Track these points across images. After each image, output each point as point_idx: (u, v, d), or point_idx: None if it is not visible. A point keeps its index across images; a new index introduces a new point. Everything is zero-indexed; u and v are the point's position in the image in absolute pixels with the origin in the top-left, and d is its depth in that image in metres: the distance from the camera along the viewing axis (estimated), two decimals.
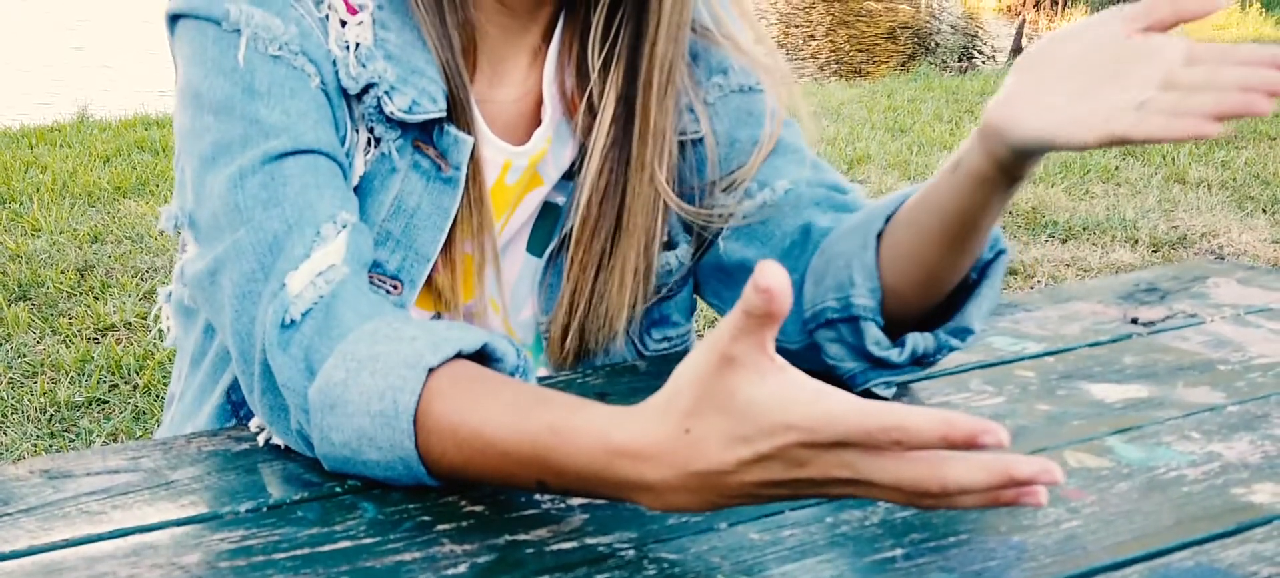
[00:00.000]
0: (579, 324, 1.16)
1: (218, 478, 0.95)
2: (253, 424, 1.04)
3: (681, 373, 0.80)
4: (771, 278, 0.73)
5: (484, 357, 0.95)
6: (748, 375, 0.76)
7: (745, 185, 1.17)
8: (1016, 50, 12.77)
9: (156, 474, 0.95)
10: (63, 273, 4.02)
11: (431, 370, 0.90)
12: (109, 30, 12.33)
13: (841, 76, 11.51)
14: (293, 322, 0.95)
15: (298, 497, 0.93)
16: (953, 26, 15.80)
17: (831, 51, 13.51)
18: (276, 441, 1.00)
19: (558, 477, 0.86)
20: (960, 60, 13.00)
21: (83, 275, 4.03)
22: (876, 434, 0.75)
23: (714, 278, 1.21)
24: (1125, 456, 1.03)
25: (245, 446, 1.01)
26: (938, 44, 14.35)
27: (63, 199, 4.87)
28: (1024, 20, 14.63)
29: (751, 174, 1.17)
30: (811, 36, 14.43)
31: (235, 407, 1.15)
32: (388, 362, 0.91)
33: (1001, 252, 1.09)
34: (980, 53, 13.85)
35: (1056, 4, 15.93)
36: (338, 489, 0.94)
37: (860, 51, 13.51)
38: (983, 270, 1.10)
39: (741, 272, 1.18)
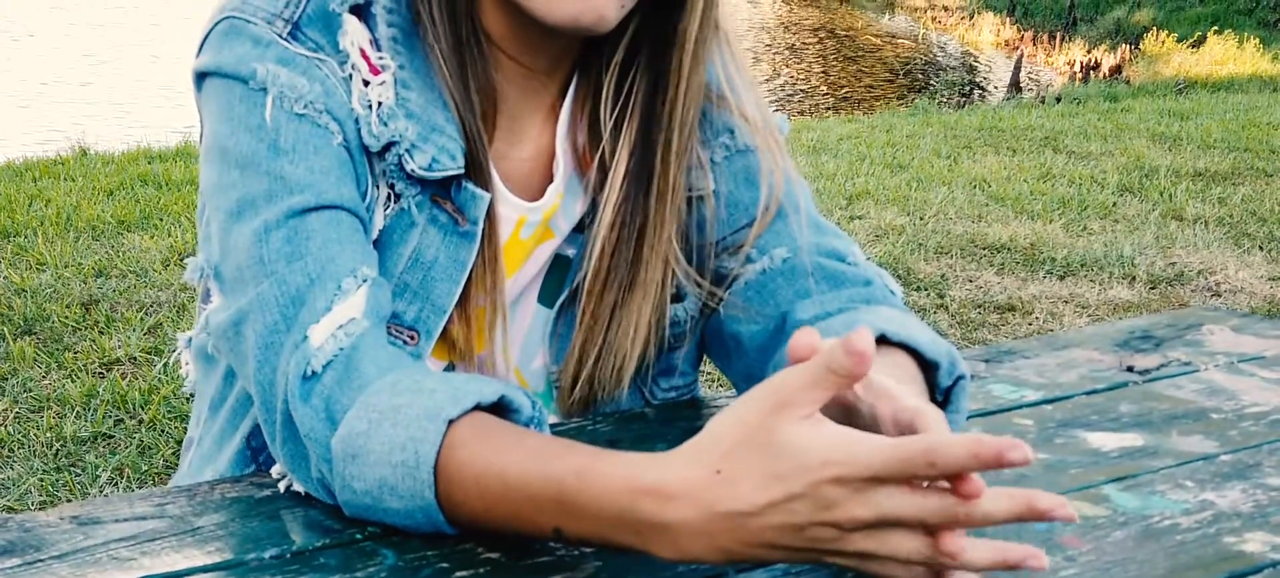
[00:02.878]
0: (589, 374, 1.19)
1: (241, 525, 0.98)
2: (274, 471, 1.07)
3: (720, 420, 0.83)
4: (865, 343, 0.78)
5: (501, 407, 0.98)
6: (795, 419, 0.80)
7: (746, 251, 1.20)
8: (1015, 84, 12.82)
9: (182, 521, 0.98)
10: (68, 307, 4.05)
11: (451, 422, 0.94)
12: (117, 65, 12.39)
13: (841, 111, 11.57)
14: (314, 373, 0.98)
15: (320, 544, 0.96)
16: (952, 61, 15.87)
17: (832, 86, 13.57)
18: (297, 488, 1.04)
19: (577, 520, 0.88)
20: (959, 94, 13.05)
21: (87, 310, 4.06)
22: (913, 459, 0.78)
23: (714, 342, 1.25)
24: (1121, 504, 1.06)
25: (267, 492, 1.04)
26: (937, 78, 14.41)
27: (67, 233, 4.90)
28: (1022, 54, 14.71)
29: (753, 240, 1.20)
30: (813, 71, 14.49)
31: (254, 452, 1.18)
32: (409, 413, 0.94)
33: (961, 377, 1.10)
34: (979, 87, 13.91)
35: (1053, 39, 16.01)
36: (358, 536, 0.97)
37: (861, 86, 13.57)
38: (947, 394, 1.11)
39: (735, 345, 1.21)
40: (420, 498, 0.94)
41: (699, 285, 1.22)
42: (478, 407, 0.95)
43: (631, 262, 1.17)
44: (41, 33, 14.30)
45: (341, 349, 0.99)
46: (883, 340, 1.06)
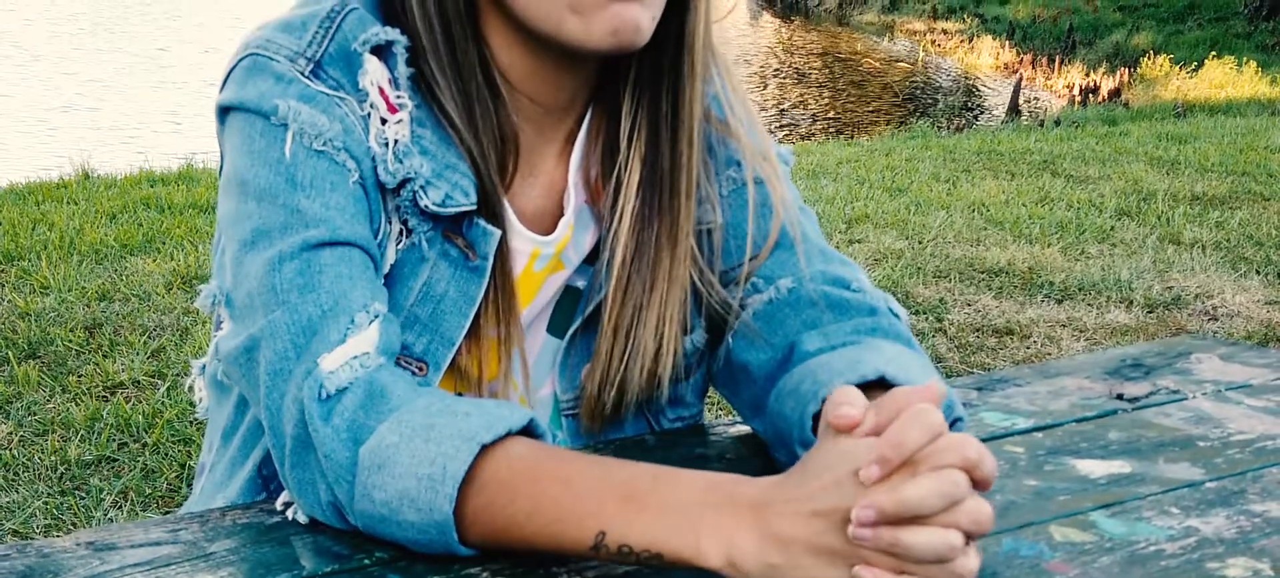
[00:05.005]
0: (620, 378, 1.23)
1: (253, 550, 1.01)
2: (279, 500, 1.10)
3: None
4: (940, 389, 0.91)
5: (527, 433, 1.03)
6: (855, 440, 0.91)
7: (752, 281, 1.24)
8: (1014, 108, 12.86)
9: (195, 547, 1.01)
10: (71, 331, 4.08)
11: (485, 446, 0.98)
12: (120, 91, 12.44)
13: (841, 134, 11.61)
14: (330, 396, 1.01)
15: (329, 569, 0.98)
16: (951, 84, 15.92)
17: (832, 109, 13.61)
18: (300, 518, 1.06)
19: (636, 517, 0.94)
20: (958, 118, 13.10)
21: (91, 333, 4.09)
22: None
23: (722, 372, 1.28)
24: (1108, 530, 1.09)
25: (278, 519, 1.07)
26: (936, 102, 14.46)
27: (70, 257, 4.93)
28: (1021, 78, 14.75)
29: (757, 270, 1.24)
30: (813, 94, 14.54)
31: (265, 481, 1.21)
32: (443, 432, 0.98)
33: (959, 419, 1.14)
34: (978, 110, 13.96)
35: (1052, 62, 16.06)
36: (366, 561, 1.00)
37: (861, 110, 13.62)
38: None
39: (743, 374, 1.24)
40: (439, 512, 0.97)
41: (711, 289, 1.25)
42: (509, 433, 1.00)
43: (653, 262, 1.21)
44: (47, 56, 14.35)
45: (357, 378, 1.02)
46: (884, 382, 1.10)
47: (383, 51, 1.13)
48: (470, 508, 0.98)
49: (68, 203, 5.90)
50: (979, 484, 0.89)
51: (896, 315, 1.22)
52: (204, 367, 1.27)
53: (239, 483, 1.22)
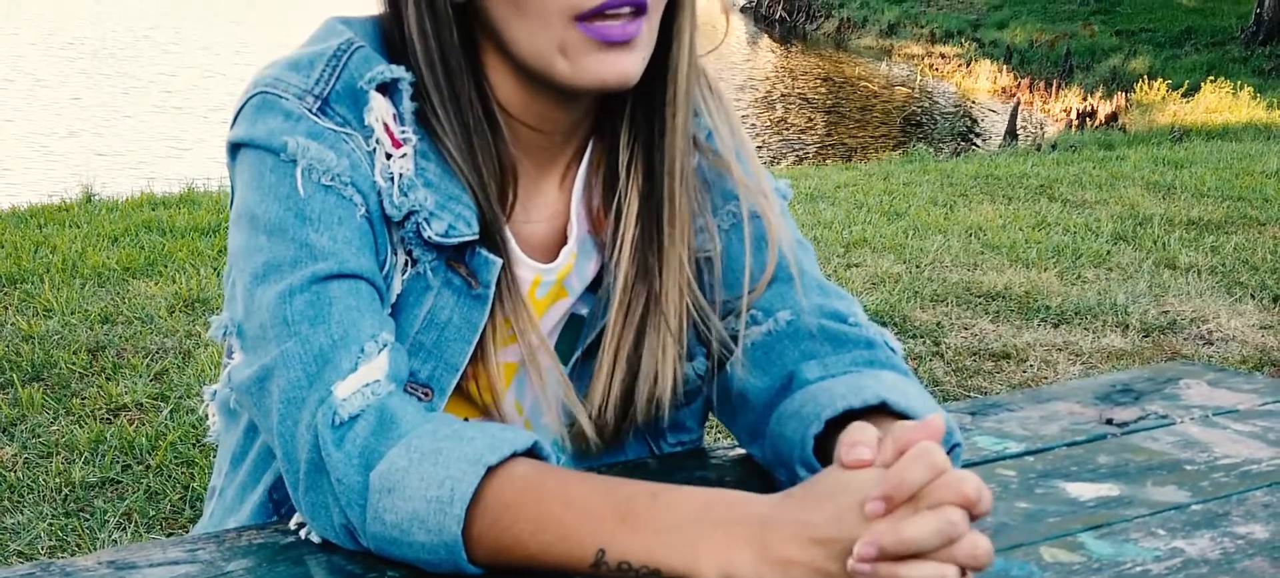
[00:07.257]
0: (619, 396, 1.26)
1: (268, 569, 1.04)
2: (293, 522, 1.13)
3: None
4: (940, 422, 0.95)
5: (531, 455, 1.06)
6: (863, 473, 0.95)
7: (751, 313, 1.27)
8: (1011, 132, 12.91)
9: (213, 566, 1.04)
10: (75, 354, 4.10)
11: (490, 468, 1.02)
12: (123, 115, 12.47)
13: (839, 158, 11.65)
14: (344, 422, 1.05)
15: None
16: (949, 109, 15.97)
17: (829, 133, 13.66)
18: (314, 537, 1.10)
19: (634, 533, 0.98)
20: (956, 142, 13.14)
21: (94, 356, 4.12)
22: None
23: (722, 399, 1.31)
24: (1096, 552, 1.12)
25: (292, 539, 1.10)
26: (933, 126, 14.50)
27: (73, 280, 4.96)
28: (1019, 102, 14.80)
29: (755, 302, 1.27)
30: (812, 119, 14.58)
31: (276, 505, 1.24)
32: (450, 455, 1.02)
33: (956, 445, 1.17)
34: (976, 134, 14.00)
35: (1050, 86, 16.11)
36: None
37: (859, 133, 13.66)
38: None
39: (742, 401, 1.28)
40: (449, 533, 1.01)
41: (709, 319, 1.28)
42: (513, 455, 1.04)
43: (652, 290, 1.24)
44: (50, 81, 14.39)
45: (369, 405, 1.06)
46: (884, 407, 1.13)
47: (388, 88, 1.17)
48: (478, 528, 1.01)
49: (70, 226, 5.92)
50: (976, 517, 0.92)
51: (893, 349, 1.25)
52: (215, 393, 1.31)
53: (250, 506, 1.25)
